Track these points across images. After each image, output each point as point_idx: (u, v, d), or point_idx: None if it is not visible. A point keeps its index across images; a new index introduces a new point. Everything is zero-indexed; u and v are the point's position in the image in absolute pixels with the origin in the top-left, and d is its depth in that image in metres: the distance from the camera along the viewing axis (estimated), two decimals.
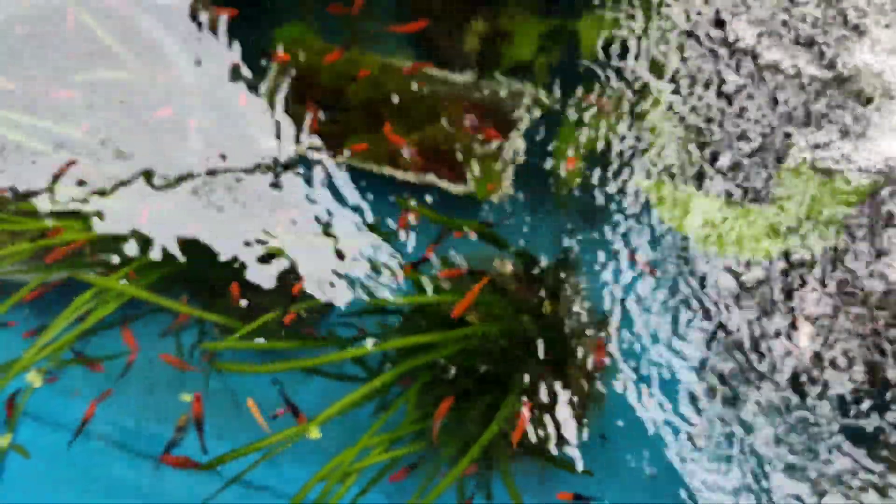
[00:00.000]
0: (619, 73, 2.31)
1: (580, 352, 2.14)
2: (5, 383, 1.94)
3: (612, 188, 2.25)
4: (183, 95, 2.35)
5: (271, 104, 2.35)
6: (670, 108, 2.21)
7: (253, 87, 2.39)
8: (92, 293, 1.97)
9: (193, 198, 2.22)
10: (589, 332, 2.16)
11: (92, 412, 2.02)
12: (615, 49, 2.31)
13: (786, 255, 2.13)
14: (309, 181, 2.31)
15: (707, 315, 2.18)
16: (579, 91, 2.32)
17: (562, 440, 2.05)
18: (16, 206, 2.26)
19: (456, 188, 2.31)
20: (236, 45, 2.40)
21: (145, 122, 2.33)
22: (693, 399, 2.15)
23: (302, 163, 2.32)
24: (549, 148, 2.35)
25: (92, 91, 2.36)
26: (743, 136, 2.18)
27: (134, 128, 2.34)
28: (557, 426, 2.07)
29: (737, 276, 2.14)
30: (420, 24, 2.33)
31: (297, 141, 2.33)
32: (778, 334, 2.09)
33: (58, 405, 2.18)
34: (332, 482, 1.80)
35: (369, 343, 1.99)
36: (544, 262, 2.25)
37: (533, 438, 2.07)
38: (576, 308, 2.19)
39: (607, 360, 2.13)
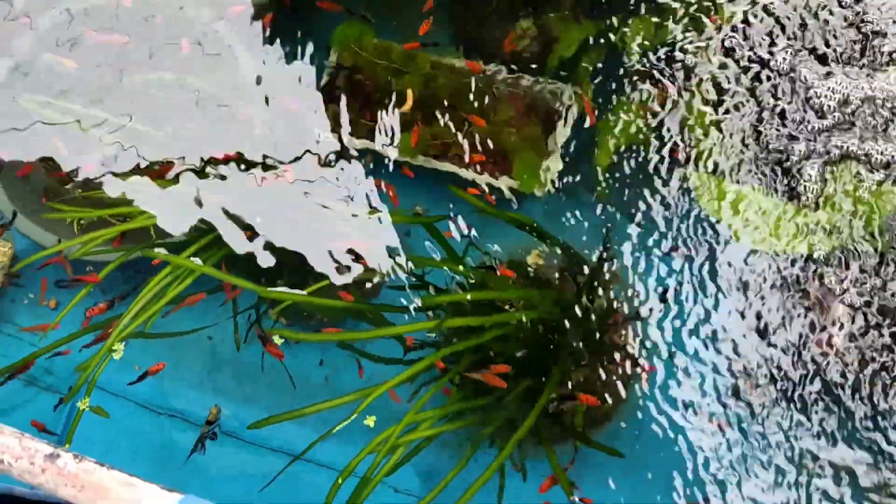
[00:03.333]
0: (663, 71, 2.36)
1: (617, 341, 2.20)
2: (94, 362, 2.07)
3: (654, 182, 2.30)
4: (243, 91, 2.46)
5: (327, 100, 2.45)
6: (716, 103, 2.26)
7: (310, 83, 2.49)
8: (167, 271, 2.09)
9: (256, 188, 2.33)
10: (627, 322, 2.23)
11: (158, 368, 2.14)
12: (661, 48, 2.37)
13: (827, 254, 2.16)
14: (361, 175, 2.40)
15: (745, 308, 2.22)
16: (623, 88, 2.38)
17: (598, 425, 2.12)
18: (80, 193, 2.39)
19: (501, 182, 2.39)
20: (294, 43, 2.51)
21: (205, 117, 2.45)
22: (730, 392, 2.19)
23: (355, 157, 2.42)
24: (591, 144, 2.42)
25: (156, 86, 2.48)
26: (792, 137, 2.22)
27: (193, 120, 2.46)
28: (593, 412, 2.14)
29: (779, 270, 2.18)
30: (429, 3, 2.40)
31: (351, 136, 2.43)
32: (813, 330, 2.12)
33: (118, 378, 2.29)
34: (381, 456, 1.90)
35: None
36: (585, 254, 2.32)
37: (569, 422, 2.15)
38: (615, 299, 2.26)
39: (644, 354, 2.19)
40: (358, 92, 2.50)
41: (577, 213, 2.38)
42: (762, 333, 2.19)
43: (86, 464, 1.04)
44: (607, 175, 2.36)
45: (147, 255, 2.18)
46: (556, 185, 2.40)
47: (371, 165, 2.41)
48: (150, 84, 2.43)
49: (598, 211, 2.36)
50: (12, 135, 2.40)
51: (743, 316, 2.17)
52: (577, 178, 2.42)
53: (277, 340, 2.18)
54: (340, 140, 2.42)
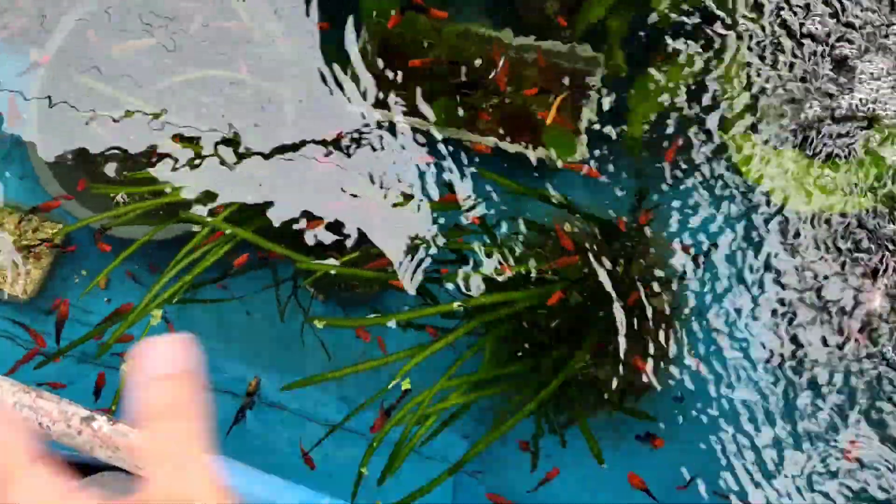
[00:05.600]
0: (696, 32, 2.31)
1: (652, 312, 2.19)
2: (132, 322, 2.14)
3: (688, 148, 2.27)
4: (274, 65, 2.49)
5: (357, 72, 2.47)
6: (749, 65, 2.21)
7: (338, 56, 2.51)
8: (200, 238, 2.14)
9: (285, 165, 2.36)
10: (661, 292, 2.21)
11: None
12: (692, 10, 2.32)
13: (864, 214, 2.11)
14: (391, 145, 2.42)
15: (781, 275, 2.18)
16: (655, 52, 2.34)
17: (637, 394, 2.11)
18: (127, 174, 2.46)
19: (532, 153, 2.38)
20: (323, 15, 2.53)
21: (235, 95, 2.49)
22: (766, 362, 2.16)
23: (385, 127, 2.43)
24: (623, 111, 2.39)
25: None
26: (829, 95, 2.16)
27: (223, 96, 2.50)
28: (630, 381, 2.14)
29: (814, 233, 2.14)
30: None
31: (381, 106, 2.44)
32: (851, 293, 2.08)
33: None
34: (411, 424, 1.93)
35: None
36: (617, 223, 2.30)
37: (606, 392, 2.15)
38: (648, 268, 2.24)
39: (678, 324, 2.17)
40: (388, 62, 2.51)
41: (610, 179, 2.36)
42: (799, 293, 2.16)
43: (119, 426, 1.09)
44: (640, 141, 2.33)
45: (186, 220, 2.22)
46: (588, 154, 2.38)
47: (396, 135, 2.43)
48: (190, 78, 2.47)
49: (632, 177, 2.33)
50: (58, 114, 2.47)
51: (782, 285, 2.14)
52: (611, 144, 2.40)
53: (318, 324, 2.22)
54: (371, 110, 2.43)
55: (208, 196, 2.23)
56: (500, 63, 2.43)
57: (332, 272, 2.17)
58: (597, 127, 2.38)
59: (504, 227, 2.26)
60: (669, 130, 2.30)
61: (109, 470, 1.14)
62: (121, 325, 2.14)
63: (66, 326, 2.42)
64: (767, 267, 2.19)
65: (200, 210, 2.26)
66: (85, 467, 1.18)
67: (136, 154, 2.42)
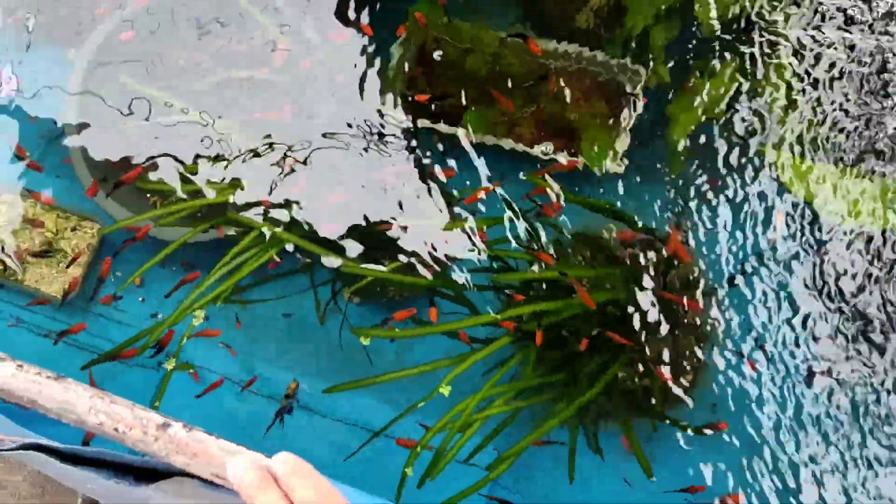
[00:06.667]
0: (739, 44, 2.31)
1: (691, 320, 2.19)
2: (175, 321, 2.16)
3: (730, 158, 2.26)
4: (312, 69, 2.50)
5: (395, 78, 2.47)
6: (795, 77, 2.20)
7: (377, 61, 2.52)
8: (248, 241, 2.15)
9: (319, 169, 2.37)
10: (701, 300, 2.21)
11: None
12: (736, 21, 2.31)
13: None
14: (428, 151, 2.43)
15: (825, 285, 2.17)
16: (696, 63, 2.34)
17: (672, 403, 2.11)
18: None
19: (570, 160, 2.38)
20: (364, 20, 2.54)
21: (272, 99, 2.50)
22: (806, 375, 2.16)
23: (421, 133, 2.44)
24: (663, 120, 2.39)
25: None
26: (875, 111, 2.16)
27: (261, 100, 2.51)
28: (667, 390, 2.13)
29: (862, 246, 2.13)
30: None
31: (418, 113, 2.45)
32: None
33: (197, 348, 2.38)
34: (453, 432, 1.93)
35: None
36: (657, 231, 2.30)
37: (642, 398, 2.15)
38: (689, 277, 2.24)
39: (719, 329, 2.17)
40: (427, 70, 2.52)
41: (648, 188, 2.36)
42: (845, 304, 2.15)
43: (195, 433, 1.09)
44: (680, 150, 2.33)
45: (230, 221, 2.23)
46: (627, 162, 2.38)
47: (440, 145, 2.43)
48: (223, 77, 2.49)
49: (670, 187, 2.34)
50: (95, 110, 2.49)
51: (829, 298, 2.13)
52: (647, 153, 2.40)
53: (364, 341, 2.23)
54: (407, 117, 2.44)
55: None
56: (551, 74, 2.43)
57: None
58: (635, 136, 2.38)
59: (544, 234, 2.26)
60: (711, 143, 2.30)
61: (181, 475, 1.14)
62: (163, 323, 2.15)
63: (102, 325, 2.44)
64: (816, 286, 2.18)
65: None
66: (151, 472, 1.19)
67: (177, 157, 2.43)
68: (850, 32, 2.18)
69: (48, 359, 2.38)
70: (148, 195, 2.44)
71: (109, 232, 2.41)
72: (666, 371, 2.04)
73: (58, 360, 2.38)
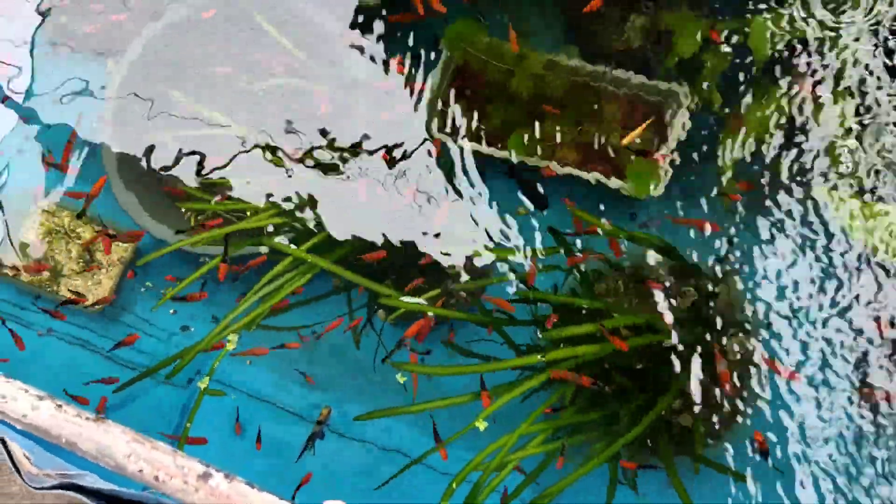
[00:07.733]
0: (789, 73, 2.24)
1: (734, 355, 2.12)
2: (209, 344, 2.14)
3: (779, 192, 2.20)
4: (349, 90, 2.46)
5: (436, 98, 2.43)
6: (852, 111, 2.13)
7: (416, 81, 2.48)
8: (284, 266, 2.11)
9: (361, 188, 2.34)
10: (744, 337, 2.14)
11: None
12: (786, 50, 2.24)
13: None
14: (469, 172, 2.38)
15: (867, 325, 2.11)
16: (746, 91, 2.27)
17: (713, 441, 2.04)
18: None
19: (613, 183, 2.32)
20: (405, 41, 2.50)
21: (311, 115, 2.47)
22: (846, 408, 2.09)
23: (463, 156, 2.39)
24: (710, 148, 2.32)
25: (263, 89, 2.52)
26: None
27: (300, 120, 2.48)
28: (709, 428, 2.07)
29: None
30: None
31: (460, 134, 2.41)
32: None
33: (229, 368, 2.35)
34: (489, 472, 1.87)
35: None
36: (699, 263, 2.23)
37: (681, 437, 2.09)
38: (731, 312, 2.17)
39: (764, 367, 2.10)
40: (469, 90, 2.48)
41: (692, 217, 2.30)
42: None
43: (237, 485, 1.04)
44: (728, 181, 2.26)
45: (269, 246, 2.21)
46: (670, 189, 2.32)
47: (483, 167, 2.38)
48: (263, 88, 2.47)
49: (715, 216, 2.27)
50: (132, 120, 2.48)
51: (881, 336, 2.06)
52: (692, 182, 2.33)
53: (400, 379, 2.19)
54: (450, 138, 2.40)
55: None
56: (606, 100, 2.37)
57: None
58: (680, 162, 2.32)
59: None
60: (761, 174, 2.23)
61: None
62: (194, 346, 2.13)
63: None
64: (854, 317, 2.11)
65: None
66: None
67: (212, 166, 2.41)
68: None
69: (79, 369, 2.38)
70: (183, 210, 2.43)
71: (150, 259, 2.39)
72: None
73: (90, 369, 2.37)
